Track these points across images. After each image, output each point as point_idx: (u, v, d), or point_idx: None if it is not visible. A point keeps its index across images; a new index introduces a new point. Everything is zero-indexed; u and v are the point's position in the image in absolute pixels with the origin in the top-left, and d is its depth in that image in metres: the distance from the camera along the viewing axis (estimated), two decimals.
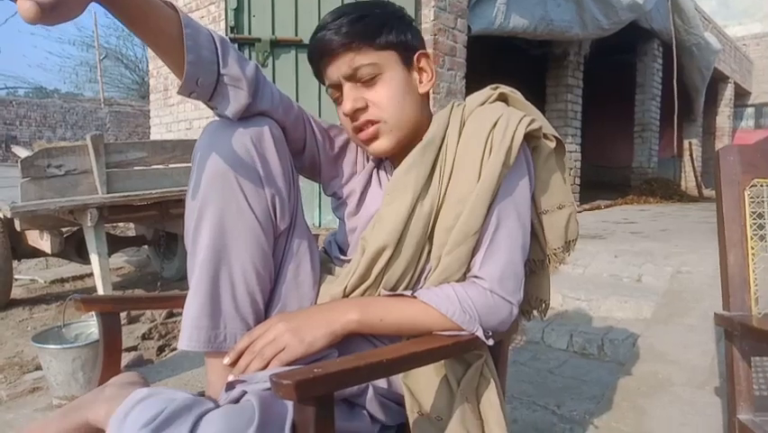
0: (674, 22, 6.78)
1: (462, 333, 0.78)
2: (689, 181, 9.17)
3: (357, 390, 0.82)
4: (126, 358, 1.99)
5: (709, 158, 9.65)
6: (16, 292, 3.06)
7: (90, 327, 1.88)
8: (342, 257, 0.94)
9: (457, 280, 0.82)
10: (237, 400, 0.70)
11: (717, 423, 1.42)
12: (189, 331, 0.76)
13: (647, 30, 6.57)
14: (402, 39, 0.87)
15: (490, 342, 0.80)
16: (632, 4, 5.46)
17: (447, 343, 0.76)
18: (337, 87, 0.86)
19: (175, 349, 2.20)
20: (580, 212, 5.59)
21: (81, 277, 3.53)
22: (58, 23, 0.54)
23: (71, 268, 3.64)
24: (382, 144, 0.87)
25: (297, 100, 0.91)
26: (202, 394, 0.81)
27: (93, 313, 0.99)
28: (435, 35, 3.71)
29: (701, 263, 2.58)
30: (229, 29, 3.55)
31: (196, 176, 0.77)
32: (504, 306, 0.81)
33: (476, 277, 0.81)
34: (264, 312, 0.82)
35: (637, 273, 2.69)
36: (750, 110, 12.82)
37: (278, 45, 3.64)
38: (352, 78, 0.84)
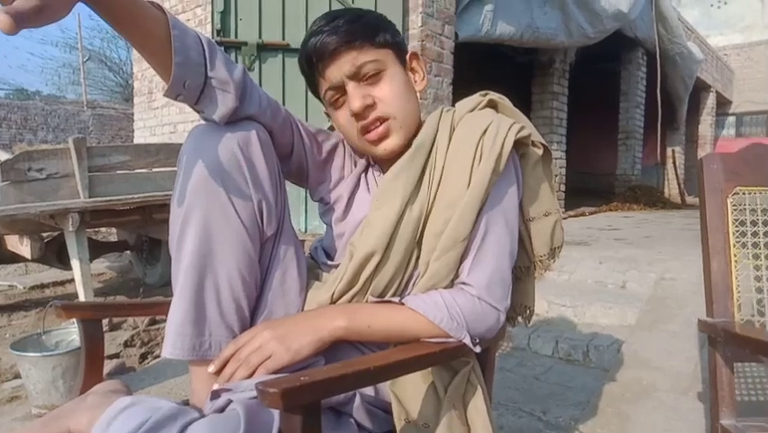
0: (658, 31, 6.91)
1: (450, 340, 0.78)
2: (672, 188, 9.32)
3: (344, 398, 0.81)
4: (108, 366, 1.96)
5: (692, 165, 9.82)
6: None
7: (71, 334, 1.85)
8: (329, 262, 0.93)
9: (445, 287, 0.81)
10: (222, 409, 0.70)
11: (700, 429, 1.44)
12: (173, 338, 0.75)
13: (631, 39, 6.68)
14: (396, 39, 0.88)
15: (478, 349, 0.80)
16: (617, 13, 5.55)
17: (434, 350, 0.76)
18: (338, 88, 0.85)
19: (158, 356, 2.17)
20: (565, 219, 5.64)
21: (62, 283, 3.47)
22: (43, 26, 0.53)
23: (51, 274, 3.58)
24: (393, 142, 0.85)
25: (284, 104, 0.90)
26: (186, 402, 0.80)
27: (74, 320, 0.97)
28: (423, 41, 3.73)
29: (685, 270, 2.62)
30: (215, 32, 3.54)
31: (181, 180, 0.76)
32: (491, 313, 0.81)
33: (464, 284, 0.81)
34: (250, 319, 0.81)
35: (622, 280, 2.72)
36: (731, 119, 13.10)
37: (264, 49, 3.63)
38: (356, 76, 0.83)
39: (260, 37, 3.61)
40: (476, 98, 0.91)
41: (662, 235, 4.17)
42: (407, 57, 0.90)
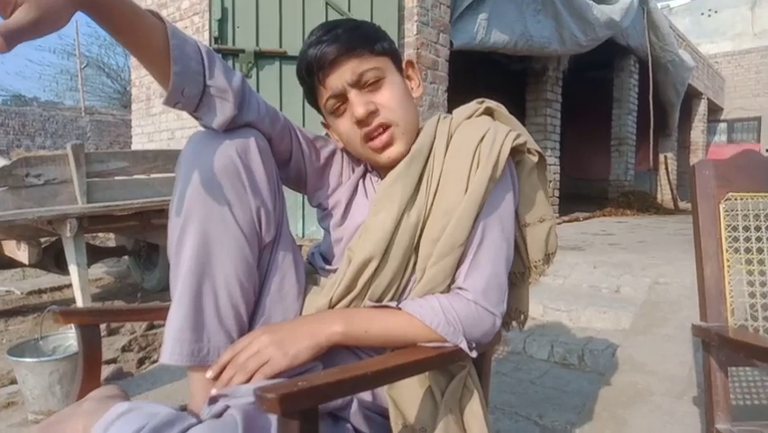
0: (650, 39, 6.98)
1: (446, 344, 0.79)
2: (665, 194, 9.38)
3: (341, 403, 0.81)
4: (106, 371, 1.95)
5: (684, 171, 9.89)
6: None
7: (68, 339, 1.84)
8: (327, 267, 0.93)
9: (442, 292, 0.82)
10: (220, 415, 0.70)
11: None
12: (172, 344, 0.75)
13: (624, 46, 6.75)
14: (393, 47, 0.89)
15: (474, 354, 0.80)
16: (609, 22, 5.61)
17: (431, 354, 0.77)
18: (339, 96, 0.85)
19: (155, 361, 2.17)
20: (559, 224, 5.66)
21: (59, 288, 3.46)
22: (44, 36, 0.53)
23: (49, 279, 3.56)
24: (396, 150, 0.86)
25: (281, 111, 0.90)
26: (184, 408, 0.80)
27: (71, 325, 0.97)
28: (418, 49, 3.76)
29: (678, 275, 2.63)
30: (213, 39, 3.55)
31: (180, 187, 0.77)
32: (487, 317, 0.81)
33: (460, 288, 0.82)
34: (248, 325, 0.81)
35: (616, 284, 2.73)
36: (723, 125, 13.22)
37: (262, 56, 3.64)
38: (357, 84, 0.84)
39: (257, 45, 3.63)
40: (473, 106, 0.92)
41: (655, 240, 4.20)
42: (404, 65, 0.92)
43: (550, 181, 5.64)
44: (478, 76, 7.31)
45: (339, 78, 0.83)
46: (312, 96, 0.90)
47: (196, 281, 0.75)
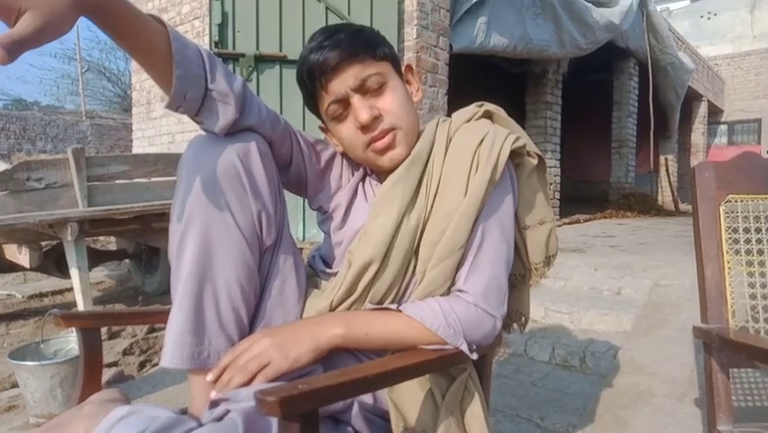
0: (649, 42, 7.00)
1: (447, 347, 0.79)
2: (665, 196, 9.38)
3: (342, 406, 0.81)
4: (107, 374, 1.95)
5: (685, 173, 9.89)
6: None
7: (70, 342, 1.84)
8: (327, 271, 0.94)
9: (442, 294, 0.82)
10: (220, 418, 0.69)
11: None
12: (172, 348, 0.75)
13: (623, 49, 6.77)
14: (393, 52, 0.89)
15: (474, 356, 0.80)
16: (608, 24, 5.62)
17: (432, 357, 0.77)
18: (341, 102, 0.84)
19: (156, 365, 2.17)
20: (560, 226, 5.66)
21: (60, 292, 3.46)
22: (48, 43, 0.53)
23: (50, 282, 3.57)
24: (398, 153, 0.86)
25: (282, 115, 0.90)
26: (184, 411, 0.80)
27: (73, 329, 0.98)
28: (418, 53, 3.77)
29: (679, 276, 2.63)
30: (213, 44, 3.56)
31: (181, 191, 0.77)
32: (488, 320, 0.81)
33: (460, 291, 0.82)
34: (249, 328, 0.81)
35: (617, 286, 2.73)
36: (723, 127, 13.24)
37: (262, 60, 3.65)
38: (360, 89, 0.83)
39: (257, 49, 3.64)
40: (472, 109, 0.92)
41: (656, 242, 4.20)
42: (403, 69, 0.92)
43: (550, 184, 5.66)
44: (478, 79, 7.32)
45: (342, 83, 0.83)
46: (312, 102, 0.89)
47: (197, 285, 0.75)
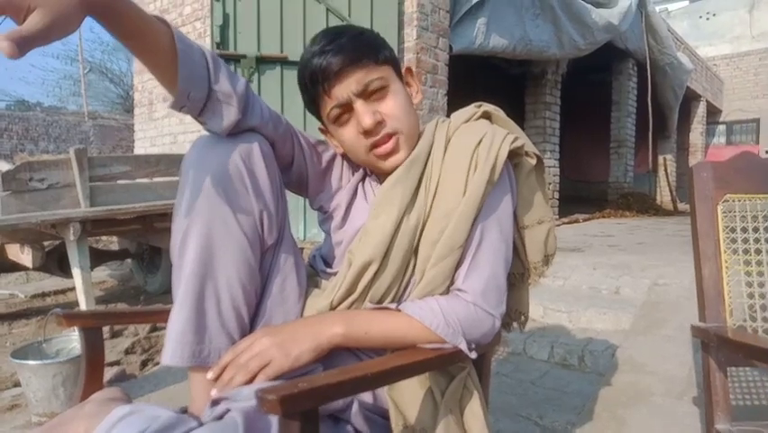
0: (648, 42, 7.00)
1: (446, 345, 0.79)
2: (664, 196, 9.39)
3: (342, 404, 0.82)
4: (109, 373, 1.95)
5: (683, 173, 9.90)
6: None
7: (72, 342, 1.85)
8: (328, 270, 0.94)
9: (441, 294, 0.83)
10: (221, 417, 0.70)
11: None
12: (173, 346, 0.75)
13: (622, 50, 6.77)
14: (394, 55, 0.89)
15: (473, 355, 0.81)
16: (607, 25, 5.63)
17: (431, 356, 0.77)
18: (344, 106, 0.84)
19: (158, 363, 2.17)
20: (558, 225, 5.67)
21: (63, 291, 3.46)
22: (54, 41, 0.54)
23: (52, 282, 3.57)
24: (401, 157, 0.86)
25: (283, 115, 0.91)
26: (184, 410, 0.80)
27: (75, 328, 0.98)
28: (418, 54, 3.78)
29: (677, 276, 2.64)
30: (215, 45, 3.57)
31: (184, 190, 0.77)
32: (486, 318, 0.82)
33: (459, 290, 0.82)
34: (249, 327, 0.81)
35: (615, 285, 2.74)
36: (721, 127, 13.24)
37: (263, 61, 3.66)
38: (363, 93, 0.83)
39: (258, 50, 3.64)
40: (470, 109, 0.93)
41: (654, 242, 4.21)
42: (403, 72, 0.92)
43: (549, 183, 5.67)
44: (477, 80, 7.33)
45: (345, 88, 0.83)
46: (314, 105, 0.89)
47: (199, 284, 0.76)
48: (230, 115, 0.77)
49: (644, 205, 7.88)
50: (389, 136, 0.85)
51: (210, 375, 0.75)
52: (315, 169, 0.94)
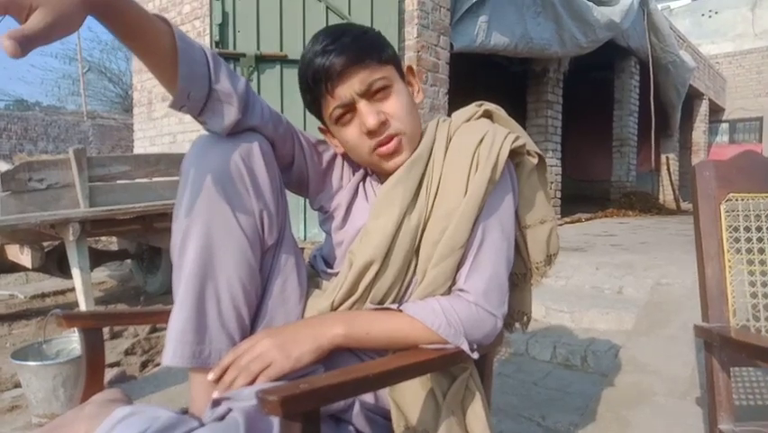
0: (650, 40, 6.99)
1: (448, 346, 0.79)
2: (666, 195, 9.37)
3: (343, 405, 0.81)
4: (109, 374, 1.95)
5: (686, 172, 9.88)
6: None
7: (72, 342, 1.85)
8: (328, 270, 0.94)
9: (442, 294, 0.82)
10: (222, 417, 0.70)
11: None
12: (174, 346, 0.75)
13: (624, 48, 6.76)
14: (395, 54, 0.89)
15: (475, 355, 0.80)
16: (609, 23, 5.62)
17: (433, 356, 0.77)
18: (346, 106, 0.83)
19: (159, 364, 2.17)
20: (561, 225, 5.66)
21: (62, 292, 3.47)
22: (56, 41, 0.54)
23: (52, 283, 3.57)
24: (404, 158, 0.86)
25: (282, 115, 0.90)
26: (185, 411, 0.80)
27: (75, 329, 0.98)
28: (419, 52, 3.77)
29: (680, 275, 2.63)
30: (214, 44, 3.57)
31: (184, 190, 0.77)
32: (488, 319, 0.81)
33: (461, 290, 0.82)
34: (250, 328, 0.81)
35: (618, 285, 2.73)
36: (724, 125, 13.22)
37: (263, 60, 3.65)
38: (366, 94, 0.83)
39: (258, 48, 3.64)
40: (471, 109, 0.92)
41: (657, 241, 4.20)
42: (405, 71, 0.92)
43: (551, 183, 5.66)
44: (478, 78, 7.32)
45: (348, 88, 0.82)
46: (315, 105, 0.88)
47: (199, 284, 0.75)
48: (230, 114, 0.77)
49: (646, 204, 7.87)
50: (393, 137, 0.84)
51: (211, 376, 0.75)
52: (316, 168, 0.94)
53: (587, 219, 6.52)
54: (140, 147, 5.51)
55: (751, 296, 1.12)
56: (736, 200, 1.15)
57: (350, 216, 0.94)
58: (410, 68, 0.93)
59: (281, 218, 0.84)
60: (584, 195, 9.80)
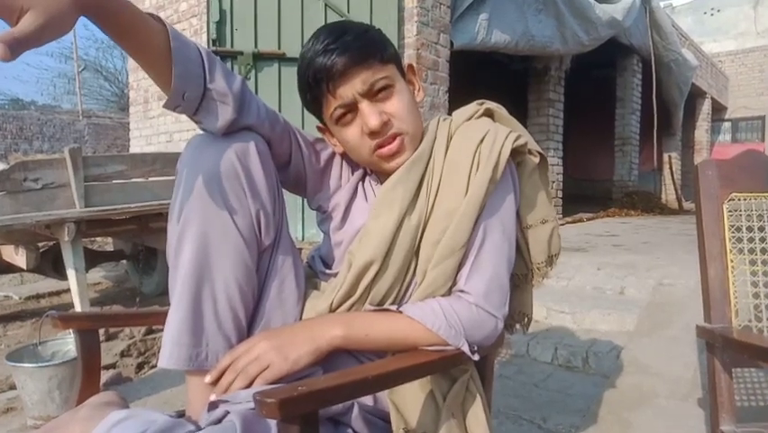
0: (653, 38, 6.98)
1: (448, 347, 0.78)
2: (669, 194, 9.36)
3: (342, 407, 0.81)
4: (105, 376, 1.95)
5: (689, 171, 9.88)
6: None
7: (67, 344, 1.84)
8: (327, 271, 0.93)
9: (443, 295, 0.81)
10: (219, 420, 0.69)
11: None
12: (170, 348, 0.74)
13: (626, 46, 6.75)
14: (396, 53, 0.88)
15: (476, 357, 0.80)
16: (611, 21, 5.61)
17: (433, 358, 0.76)
18: (348, 106, 0.83)
19: (155, 366, 2.16)
20: (562, 225, 5.66)
21: (58, 293, 3.46)
22: (49, 42, 0.53)
23: (47, 284, 3.57)
24: (405, 158, 0.85)
25: (280, 113, 0.89)
26: (181, 414, 0.79)
27: (70, 330, 0.97)
28: (419, 50, 3.76)
29: (682, 276, 2.62)
30: (211, 42, 3.56)
31: (179, 190, 0.76)
32: (489, 320, 0.81)
33: (461, 291, 0.81)
34: (247, 329, 0.80)
35: (620, 286, 2.72)
36: (727, 124, 13.22)
37: (260, 58, 3.65)
38: (368, 94, 0.82)
39: (255, 46, 3.63)
40: (472, 107, 0.91)
41: (659, 241, 4.19)
42: (405, 69, 0.91)
43: (553, 182, 5.65)
44: (479, 76, 7.31)
45: (350, 88, 0.81)
46: (315, 105, 0.87)
47: (195, 285, 0.75)
48: (225, 114, 0.76)
49: (648, 203, 7.86)
50: (395, 137, 0.83)
51: (208, 379, 0.74)
52: (314, 168, 0.93)
53: (588, 219, 6.51)
54: (136, 146, 5.50)
55: (753, 296, 1.11)
56: (739, 200, 1.14)
57: (349, 216, 0.93)
58: (411, 66, 0.92)
59: (278, 218, 0.83)
60: (586, 194, 9.78)
